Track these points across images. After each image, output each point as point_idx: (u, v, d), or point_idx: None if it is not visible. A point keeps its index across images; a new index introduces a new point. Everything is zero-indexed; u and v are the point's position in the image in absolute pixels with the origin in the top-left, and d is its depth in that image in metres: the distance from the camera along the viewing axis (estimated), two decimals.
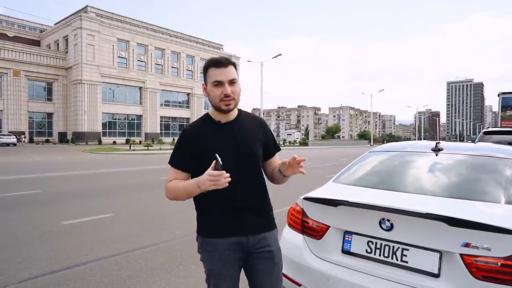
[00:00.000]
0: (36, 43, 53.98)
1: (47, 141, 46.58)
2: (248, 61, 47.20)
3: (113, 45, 50.09)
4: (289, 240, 2.25)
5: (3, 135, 37.31)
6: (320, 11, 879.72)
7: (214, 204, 1.60)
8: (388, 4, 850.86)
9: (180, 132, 1.66)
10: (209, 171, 1.43)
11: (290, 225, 2.31)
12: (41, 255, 3.90)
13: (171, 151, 1.68)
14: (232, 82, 1.58)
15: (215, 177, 1.40)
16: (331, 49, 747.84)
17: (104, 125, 50.16)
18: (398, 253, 1.77)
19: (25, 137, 43.08)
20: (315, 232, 2.08)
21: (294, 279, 2.11)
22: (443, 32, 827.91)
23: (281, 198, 7.28)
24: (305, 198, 2.18)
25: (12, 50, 44.75)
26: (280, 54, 39.57)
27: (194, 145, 1.60)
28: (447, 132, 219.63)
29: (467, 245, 1.56)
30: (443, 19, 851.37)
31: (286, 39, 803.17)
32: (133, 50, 52.39)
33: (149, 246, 4.27)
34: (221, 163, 1.41)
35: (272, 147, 1.78)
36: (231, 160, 1.56)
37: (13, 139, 36.04)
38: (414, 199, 1.98)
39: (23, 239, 4.52)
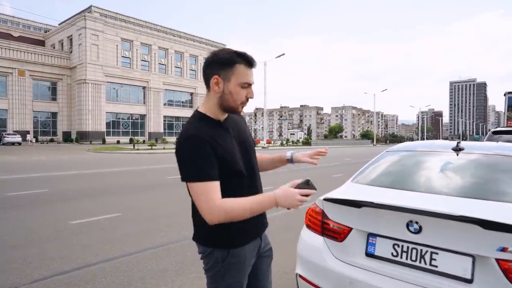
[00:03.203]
0: (41, 43, 54.22)
1: (52, 140, 46.77)
2: None
3: (117, 45, 50.17)
4: (308, 242, 2.19)
5: (9, 134, 37.51)
6: (326, 11, 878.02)
7: None
8: (395, 3, 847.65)
9: (189, 140, 1.34)
10: (308, 191, 1.35)
11: (308, 226, 2.25)
12: (51, 255, 3.86)
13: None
14: None
15: (305, 198, 1.35)
16: (336, 48, 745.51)
17: (108, 124, 50.26)
18: (427, 257, 1.70)
19: (32, 138, 42.88)
20: (336, 234, 2.02)
21: (314, 282, 2.04)
22: (449, 31, 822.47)
23: None
24: (326, 199, 2.11)
25: (17, 50, 44.95)
26: (283, 54, 39.44)
27: (216, 149, 1.37)
28: (450, 132, 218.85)
29: (503, 249, 1.49)
30: (449, 18, 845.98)
31: (291, 38, 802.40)
32: (136, 49, 52.44)
33: (159, 247, 4.23)
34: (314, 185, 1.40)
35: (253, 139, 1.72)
36: (243, 158, 1.50)
37: (18, 138, 36.22)
38: (442, 200, 1.91)
39: (33, 238, 4.49)
